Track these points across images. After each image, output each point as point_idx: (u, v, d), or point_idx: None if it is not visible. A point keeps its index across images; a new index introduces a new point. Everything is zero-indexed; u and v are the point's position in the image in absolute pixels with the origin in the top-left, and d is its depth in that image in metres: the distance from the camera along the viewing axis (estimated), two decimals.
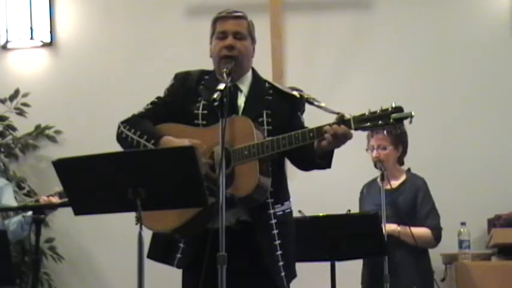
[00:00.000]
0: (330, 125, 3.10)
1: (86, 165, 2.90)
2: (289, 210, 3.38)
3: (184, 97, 3.38)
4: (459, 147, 5.67)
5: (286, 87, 3.48)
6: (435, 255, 5.18)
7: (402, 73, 5.78)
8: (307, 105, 3.44)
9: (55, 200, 4.27)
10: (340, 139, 3.10)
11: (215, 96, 3.01)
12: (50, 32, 6.12)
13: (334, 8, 5.88)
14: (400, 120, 3.05)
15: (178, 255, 3.30)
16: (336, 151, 3.22)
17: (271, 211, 3.28)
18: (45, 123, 6.00)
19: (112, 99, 5.90)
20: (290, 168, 3.50)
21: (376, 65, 5.82)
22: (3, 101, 5.88)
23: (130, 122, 3.37)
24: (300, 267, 3.43)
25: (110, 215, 3.18)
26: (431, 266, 4.84)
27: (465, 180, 5.61)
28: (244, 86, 3.39)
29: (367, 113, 3.10)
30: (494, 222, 5.24)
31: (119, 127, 3.38)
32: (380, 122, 3.07)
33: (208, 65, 3.46)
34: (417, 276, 4.78)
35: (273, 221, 3.27)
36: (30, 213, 4.25)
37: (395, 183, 4.73)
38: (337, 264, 4.29)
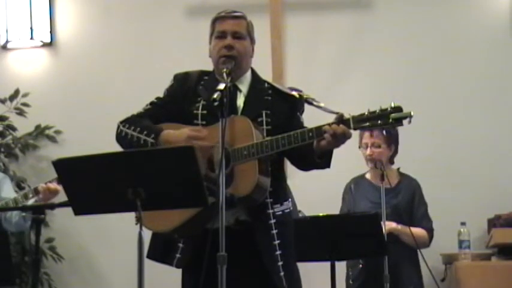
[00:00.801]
0: (329, 124, 3.11)
1: (86, 165, 2.90)
2: (288, 210, 3.39)
3: (184, 97, 3.38)
4: (459, 147, 5.67)
5: (285, 88, 3.49)
6: (435, 255, 5.19)
7: (402, 73, 5.78)
8: (306, 105, 3.44)
9: (53, 186, 4.28)
10: (340, 139, 3.11)
11: (215, 96, 3.01)
12: (50, 32, 6.12)
13: (334, 8, 5.88)
14: (399, 120, 3.05)
15: (178, 255, 3.30)
16: (336, 151, 3.22)
17: (271, 211, 3.28)
18: (45, 123, 6.00)
19: (112, 99, 5.90)
20: (290, 168, 3.50)
21: (376, 65, 5.81)
22: (3, 101, 5.88)
23: (129, 121, 3.37)
24: (300, 267, 3.44)
25: (110, 215, 3.19)
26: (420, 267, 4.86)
27: (465, 180, 5.61)
28: (244, 86, 3.39)
29: (366, 113, 3.10)
30: (494, 222, 5.24)
31: (118, 127, 3.38)
32: (379, 121, 3.07)
33: (208, 65, 3.46)
34: (415, 276, 4.80)
35: (272, 221, 3.28)
36: (31, 201, 4.27)
37: (387, 182, 4.71)
38: (337, 264, 4.29)
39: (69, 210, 2.96)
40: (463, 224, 5.07)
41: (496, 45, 5.73)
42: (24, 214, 4.36)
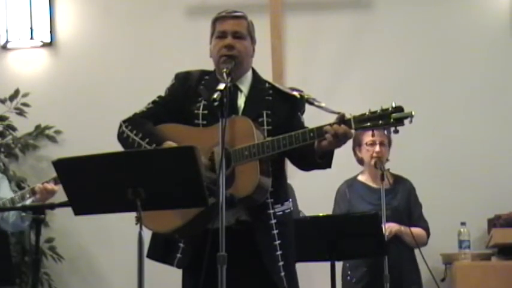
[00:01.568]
0: (330, 125, 3.10)
1: (86, 165, 2.90)
2: (289, 210, 3.38)
3: (185, 97, 3.38)
4: (459, 147, 5.67)
5: (286, 88, 3.48)
6: (435, 255, 5.19)
7: (402, 73, 5.78)
8: (307, 106, 3.44)
9: (50, 186, 4.27)
10: (341, 139, 3.10)
11: (215, 96, 3.01)
12: (50, 32, 6.12)
13: (334, 8, 5.88)
14: (400, 120, 3.05)
15: (178, 255, 3.30)
16: (336, 151, 3.22)
17: (271, 211, 3.28)
18: (45, 123, 6.00)
19: (112, 99, 5.90)
20: (290, 168, 3.50)
21: (376, 65, 5.81)
22: (3, 101, 5.88)
23: (132, 122, 3.36)
24: (300, 267, 3.43)
25: (110, 215, 3.18)
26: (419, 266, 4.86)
27: (465, 180, 5.61)
28: (244, 86, 3.39)
29: (367, 113, 3.10)
30: (494, 222, 5.24)
31: (121, 126, 3.38)
32: (380, 121, 3.07)
33: (209, 65, 3.46)
34: (416, 275, 4.80)
35: (273, 221, 3.28)
36: (29, 201, 4.26)
37: (386, 183, 4.69)
38: (337, 264, 4.29)
39: (69, 210, 2.96)
40: (463, 224, 5.08)
41: (496, 45, 5.73)
42: (23, 214, 4.36)
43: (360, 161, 4.88)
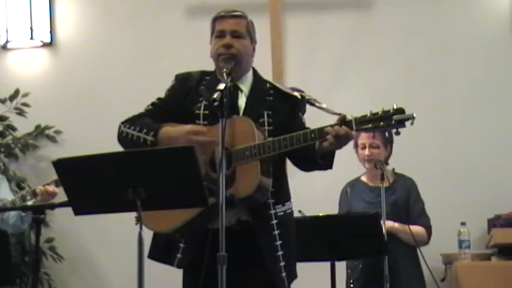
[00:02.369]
0: (331, 126, 3.10)
1: (86, 165, 2.90)
2: (290, 210, 3.38)
3: (185, 97, 3.38)
4: (459, 147, 5.67)
5: (287, 88, 3.48)
6: (435, 255, 5.19)
7: (402, 73, 5.78)
8: (308, 106, 3.44)
9: (51, 188, 4.27)
10: (342, 140, 3.10)
11: (215, 96, 3.01)
12: (50, 32, 6.12)
13: (334, 8, 5.87)
14: (401, 122, 3.04)
15: (179, 255, 3.30)
16: (337, 151, 3.21)
17: (272, 211, 3.28)
18: (45, 123, 5.99)
19: (112, 99, 5.90)
20: (290, 168, 3.50)
21: (376, 65, 5.81)
22: (3, 101, 5.87)
23: (130, 121, 3.37)
24: (300, 267, 3.43)
25: (110, 215, 3.18)
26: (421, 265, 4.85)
27: (465, 180, 5.61)
28: (245, 86, 3.39)
29: (368, 114, 3.09)
30: (494, 222, 5.24)
31: (119, 127, 3.38)
32: (381, 123, 3.07)
33: (209, 65, 3.46)
34: (415, 275, 4.79)
35: (274, 222, 3.27)
36: (29, 203, 4.26)
37: (386, 182, 4.69)
38: (337, 264, 4.29)
39: (69, 210, 2.96)
40: (463, 224, 5.08)
41: (496, 45, 5.73)
42: (23, 214, 4.36)
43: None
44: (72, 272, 5.98)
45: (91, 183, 2.88)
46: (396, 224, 4.72)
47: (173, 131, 3.23)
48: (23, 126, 5.95)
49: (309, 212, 4.18)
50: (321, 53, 5.84)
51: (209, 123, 3.28)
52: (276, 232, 3.27)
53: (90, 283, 5.99)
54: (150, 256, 3.27)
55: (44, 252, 5.73)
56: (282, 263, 3.26)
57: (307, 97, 3.42)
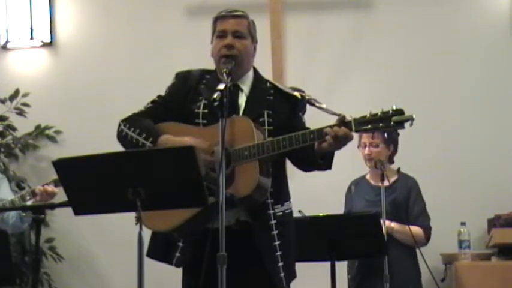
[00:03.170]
0: (330, 126, 3.10)
1: (86, 165, 2.90)
2: (289, 210, 3.38)
3: (185, 96, 3.38)
4: (459, 147, 5.67)
5: (287, 88, 3.48)
6: (435, 255, 5.19)
7: (402, 73, 5.78)
8: (308, 106, 3.43)
9: (50, 188, 4.27)
10: (341, 141, 3.10)
11: (215, 96, 3.01)
12: (50, 32, 6.12)
13: (334, 8, 5.88)
14: (401, 123, 3.04)
15: (177, 254, 3.29)
16: (337, 151, 3.21)
17: (271, 211, 3.28)
18: (45, 123, 6.00)
19: (112, 99, 5.90)
20: (290, 168, 3.50)
21: (376, 65, 5.81)
22: (3, 101, 5.88)
23: (130, 121, 3.36)
24: (300, 267, 3.43)
25: (110, 215, 3.18)
26: (419, 266, 4.84)
27: (465, 180, 5.61)
28: (245, 85, 3.38)
29: (368, 115, 3.09)
30: (494, 222, 5.24)
31: (119, 125, 3.38)
32: (381, 124, 3.06)
33: (209, 64, 3.46)
34: (414, 274, 4.79)
35: (273, 222, 3.27)
36: (29, 203, 4.26)
37: (386, 182, 4.70)
38: (337, 264, 4.29)
39: (69, 210, 2.96)
40: (463, 224, 5.07)
41: (496, 45, 5.73)
42: (23, 214, 4.36)
43: None
44: (72, 272, 5.98)
45: (91, 183, 2.88)
46: (393, 224, 4.72)
47: (172, 141, 3.22)
48: (23, 126, 5.95)
49: (309, 212, 4.18)
50: (321, 53, 5.85)
51: (208, 122, 3.28)
52: (275, 232, 3.27)
53: (90, 283, 5.99)
54: (148, 255, 3.26)
55: (44, 252, 5.73)
56: (280, 263, 3.25)
57: (307, 97, 3.42)
